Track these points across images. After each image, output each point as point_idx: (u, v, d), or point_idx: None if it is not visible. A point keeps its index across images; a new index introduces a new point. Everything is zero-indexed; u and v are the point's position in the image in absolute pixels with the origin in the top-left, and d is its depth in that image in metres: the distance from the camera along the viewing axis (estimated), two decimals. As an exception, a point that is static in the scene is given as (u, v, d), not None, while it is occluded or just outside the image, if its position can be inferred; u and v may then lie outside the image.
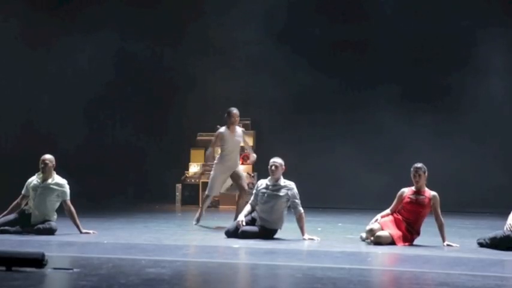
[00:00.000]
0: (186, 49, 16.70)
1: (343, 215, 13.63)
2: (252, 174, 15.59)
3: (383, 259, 7.94)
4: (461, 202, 14.72)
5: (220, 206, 15.38)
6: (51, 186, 9.37)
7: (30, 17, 16.16)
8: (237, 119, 10.86)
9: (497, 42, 15.75)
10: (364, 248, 8.59)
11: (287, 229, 9.44)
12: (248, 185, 15.32)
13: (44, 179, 9.40)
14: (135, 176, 16.60)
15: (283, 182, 9.30)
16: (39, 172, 9.44)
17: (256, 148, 16.07)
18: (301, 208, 9.17)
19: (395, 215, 8.90)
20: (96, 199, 14.88)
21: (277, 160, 9.34)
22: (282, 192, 9.22)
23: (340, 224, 11.83)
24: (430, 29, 15.83)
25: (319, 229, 10.50)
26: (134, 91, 16.94)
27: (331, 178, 15.71)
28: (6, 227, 9.23)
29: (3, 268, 6.17)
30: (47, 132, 16.24)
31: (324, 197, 15.21)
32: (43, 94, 16.48)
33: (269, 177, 9.37)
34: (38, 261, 6.17)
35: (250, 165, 11.92)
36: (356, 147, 15.78)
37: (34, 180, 9.45)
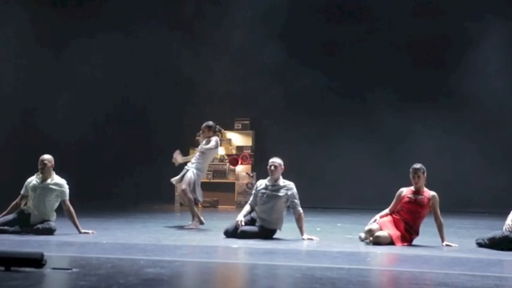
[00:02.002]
0: (185, 49, 16.70)
1: (342, 215, 13.64)
2: (251, 174, 15.61)
3: (382, 259, 7.94)
4: (461, 202, 14.74)
5: (220, 206, 15.41)
6: (51, 186, 9.37)
7: (33, 14, 16.15)
8: (205, 131, 10.87)
9: (499, 42, 15.73)
10: (363, 248, 8.59)
11: (286, 229, 9.44)
12: (247, 185, 15.43)
13: (43, 179, 9.40)
14: (134, 176, 16.59)
15: (282, 182, 9.30)
16: (39, 172, 9.44)
17: (255, 148, 16.13)
18: (300, 208, 9.17)
19: (394, 215, 8.91)
20: (95, 199, 14.88)
21: (276, 160, 9.34)
22: (282, 193, 9.22)
23: (339, 224, 11.83)
24: (432, 28, 15.80)
25: (318, 229, 10.50)
26: (133, 91, 16.94)
27: (330, 178, 15.71)
28: (5, 227, 9.24)
29: (2, 268, 6.17)
30: (46, 131, 16.23)
31: (323, 197, 15.22)
32: (43, 93, 16.47)
33: (268, 178, 9.37)
34: (37, 261, 6.17)
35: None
36: (356, 147, 15.79)
37: (33, 180, 9.45)
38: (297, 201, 9.21)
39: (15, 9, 16.03)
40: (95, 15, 16.40)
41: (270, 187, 9.27)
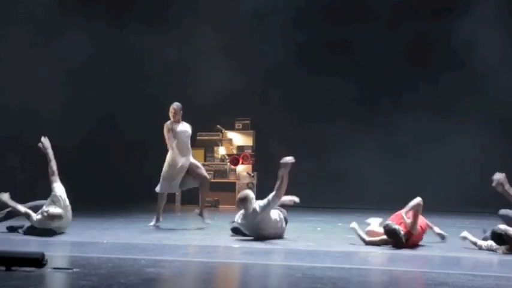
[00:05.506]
0: (185, 48, 16.67)
1: (343, 214, 13.62)
2: (252, 174, 15.61)
3: (383, 259, 7.94)
4: (461, 202, 14.71)
5: (220, 206, 15.41)
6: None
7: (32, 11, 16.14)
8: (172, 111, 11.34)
9: (501, 42, 15.70)
10: (364, 247, 8.58)
11: (287, 229, 9.43)
12: (248, 184, 15.42)
13: None
14: (134, 176, 16.57)
15: (250, 210, 8.91)
16: None
17: (256, 148, 16.12)
18: (271, 194, 8.87)
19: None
20: (96, 199, 14.87)
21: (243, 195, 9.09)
22: (254, 212, 8.90)
23: (340, 224, 11.81)
24: (434, 27, 15.76)
25: (318, 229, 10.50)
26: (133, 91, 16.91)
27: (331, 178, 15.69)
28: (13, 225, 9.28)
29: (3, 268, 6.17)
30: (46, 131, 16.19)
31: (324, 197, 15.20)
32: (43, 93, 16.44)
33: (240, 212, 9.09)
34: (38, 261, 6.17)
35: None
36: (356, 147, 15.75)
37: None
38: (265, 200, 8.89)
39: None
40: (90, 9, 16.36)
41: (246, 220, 8.97)
